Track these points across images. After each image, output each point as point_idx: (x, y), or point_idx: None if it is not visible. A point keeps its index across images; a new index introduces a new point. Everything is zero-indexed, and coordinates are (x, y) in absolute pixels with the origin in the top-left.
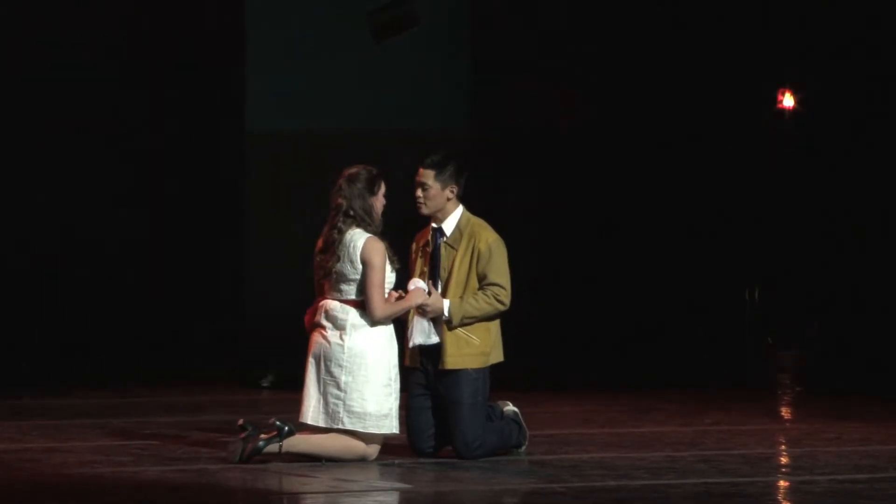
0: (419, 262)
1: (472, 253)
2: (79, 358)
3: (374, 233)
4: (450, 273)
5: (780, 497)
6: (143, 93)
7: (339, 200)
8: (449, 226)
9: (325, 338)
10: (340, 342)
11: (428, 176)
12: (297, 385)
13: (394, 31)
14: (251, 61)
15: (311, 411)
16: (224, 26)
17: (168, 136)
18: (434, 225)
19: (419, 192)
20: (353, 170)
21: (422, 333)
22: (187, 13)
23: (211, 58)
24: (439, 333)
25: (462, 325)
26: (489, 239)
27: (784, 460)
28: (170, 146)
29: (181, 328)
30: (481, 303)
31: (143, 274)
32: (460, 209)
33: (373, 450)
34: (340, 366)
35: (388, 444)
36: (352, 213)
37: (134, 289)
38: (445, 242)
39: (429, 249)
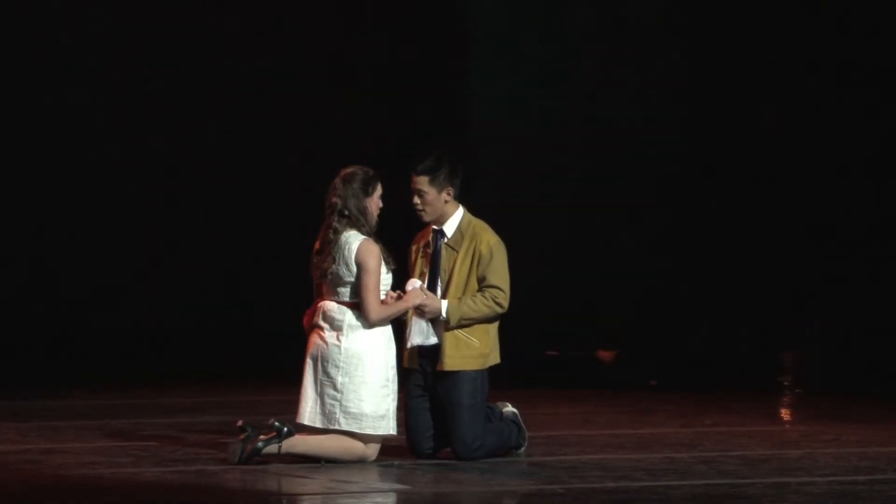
0: (419, 262)
1: (473, 255)
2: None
3: (369, 234)
4: (450, 275)
5: (779, 499)
6: (370, 99)
7: (334, 200)
8: (450, 227)
9: (322, 339)
10: (337, 343)
11: (422, 182)
12: None
13: None
14: (476, 65)
15: (309, 412)
16: (450, 28)
17: (394, 137)
18: (435, 227)
19: (416, 200)
20: (350, 169)
21: (420, 334)
22: (414, 17)
23: (436, 61)
24: (438, 334)
25: (459, 326)
26: (490, 241)
27: (783, 462)
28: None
29: None
30: (479, 305)
31: None
32: (461, 210)
33: (372, 450)
34: (337, 366)
35: (387, 446)
36: (346, 212)
37: None
38: (446, 244)
39: (429, 251)
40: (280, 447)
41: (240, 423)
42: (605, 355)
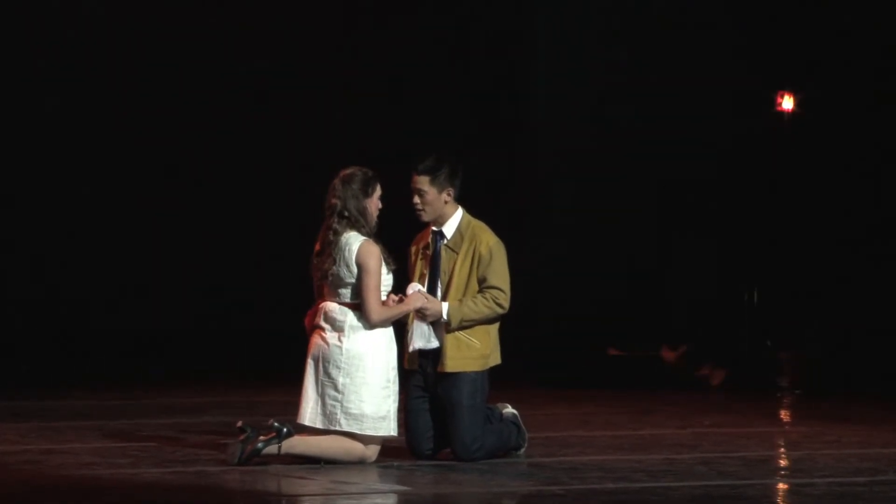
0: (419, 264)
1: (473, 256)
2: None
3: (369, 235)
4: (450, 276)
5: (779, 500)
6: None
7: (334, 201)
8: (449, 228)
9: (323, 339)
10: (339, 344)
11: (423, 182)
12: None
13: None
14: (537, 66)
15: (309, 413)
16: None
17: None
18: (434, 228)
19: (416, 199)
20: (349, 170)
21: (422, 337)
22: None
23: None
24: (439, 337)
25: (461, 328)
26: (490, 242)
27: (783, 463)
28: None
29: None
30: (480, 306)
31: None
32: (460, 211)
33: (371, 451)
34: (338, 367)
35: (386, 446)
36: (346, 213)
37: None
38: (446, 245)
39: (429, 252)
40: (280, 448)
41: (239, 423)
42: (669, 355)
